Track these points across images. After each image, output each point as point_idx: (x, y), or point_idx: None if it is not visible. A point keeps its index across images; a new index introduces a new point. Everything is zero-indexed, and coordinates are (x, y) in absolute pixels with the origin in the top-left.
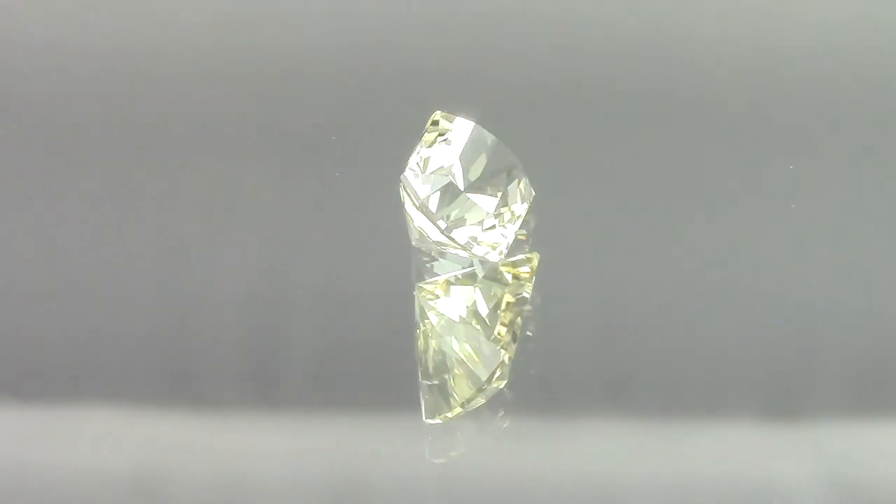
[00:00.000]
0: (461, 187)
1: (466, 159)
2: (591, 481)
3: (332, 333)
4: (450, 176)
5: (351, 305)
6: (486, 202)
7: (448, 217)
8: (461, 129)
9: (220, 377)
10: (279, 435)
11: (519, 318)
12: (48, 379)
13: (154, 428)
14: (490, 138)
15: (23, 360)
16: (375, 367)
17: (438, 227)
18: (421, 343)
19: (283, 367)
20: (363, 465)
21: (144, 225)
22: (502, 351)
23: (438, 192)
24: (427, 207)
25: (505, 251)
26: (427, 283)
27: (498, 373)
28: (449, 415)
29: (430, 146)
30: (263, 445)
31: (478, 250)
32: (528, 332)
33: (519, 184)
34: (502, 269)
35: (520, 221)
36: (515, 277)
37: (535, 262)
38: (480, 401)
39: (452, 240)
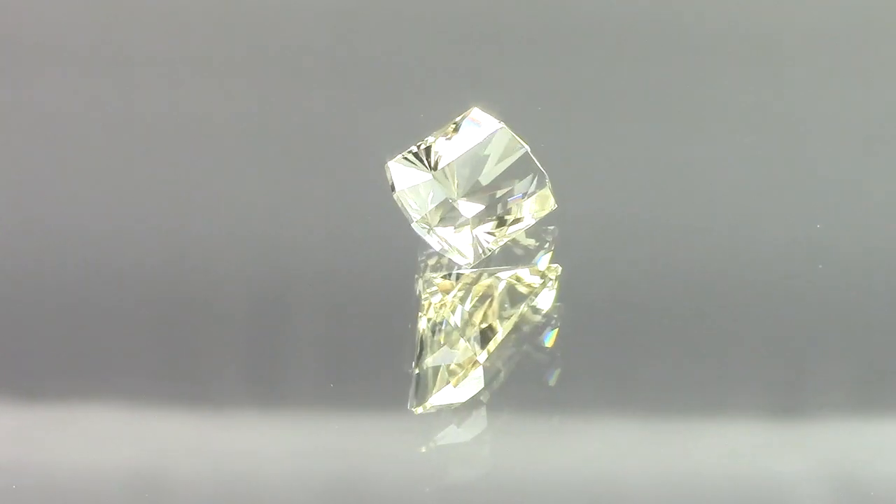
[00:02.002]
0: (447, 186)
1: (473, 161)
2: (587, 480)
3: (331, 324)
4: (432, 171)
5: (354, 294)
6: (468, 207)
7: (420, 212)
8: (484, 129)
9: (216, 373)
10: (273, 429)
11: (509, 324)
12: (45, 376)
13: (147, 423)
14: (517, 146)
15: (19, 357)
16: (375, 358)
17: (408, 220)
18: (417, 332)
19: (280, 363)
20: (358, 460)
21: (142, 221)
22: (477, 351)
23: (415, 187)
24: (399, 198)
25: (480, 256)
26: (433, 275)
27: (471, 372)
28: (420, 409)
29: (438, 139)
30: (260, 440)
31: (445, 252)
32: (538, 341)
33: (536, 194)
34: (513, 275)
35: (515, 228)
36: (522, 285)
37: (554, 274)
38: (456, 397)
39: (421, 235)
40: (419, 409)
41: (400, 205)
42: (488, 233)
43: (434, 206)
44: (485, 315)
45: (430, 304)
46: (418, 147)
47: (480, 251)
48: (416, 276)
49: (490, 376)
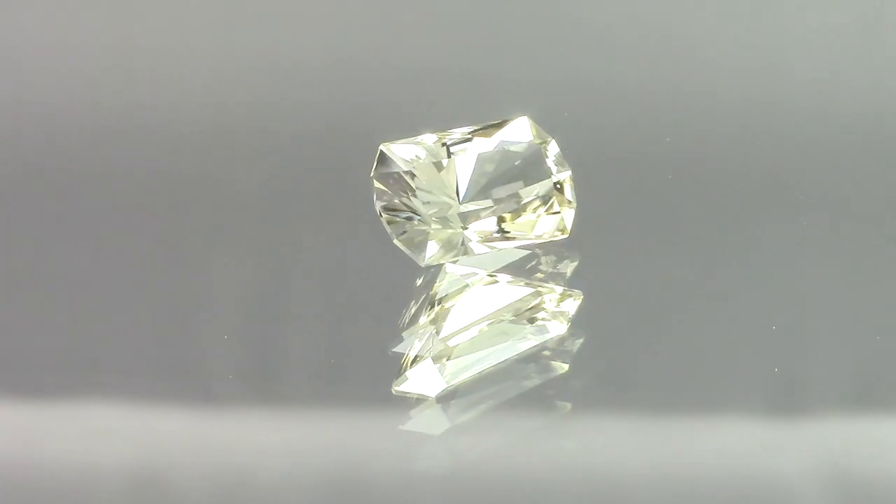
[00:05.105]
0: (452, 184)
1: (494, 169)
2: (587, 478)
3: (330, 317)
4: (445, 164)
5: (357, 287)
6: (464, 209)
7: (385, 201)
8: (519, 140)
9: (211, 369)
10: (270, 428)
11: (494, 331)
12: (45, 374)
13: (145, 422)
14: (546, 169)
15: (20, 356)
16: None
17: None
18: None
19: (278, 359)
20: (356, 458)
21: (143, 229)
22: (432, 349)
23: (392, 178)
24: (377, 183)
25: (459, 254)
26: (458, 269)
27: (425, 369)
28: (392, 390)
29: (469, 134)
30: (258, 439)
31: (403, 248)
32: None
33: (553, 217)
34: (530, 289)
35: (516, 243)
36: (533, 301)
37: (563, 299)
38: (426, 391)
39: (383, 224)
40: (393, 390)
41: (375, 192)
42: (478, 235)
43: (429, 200)
44: (469, 318)
45: (432, 297)
46: (442, 135)
47: (462, 249)
48: (448, 264)
49: (467, 377)
